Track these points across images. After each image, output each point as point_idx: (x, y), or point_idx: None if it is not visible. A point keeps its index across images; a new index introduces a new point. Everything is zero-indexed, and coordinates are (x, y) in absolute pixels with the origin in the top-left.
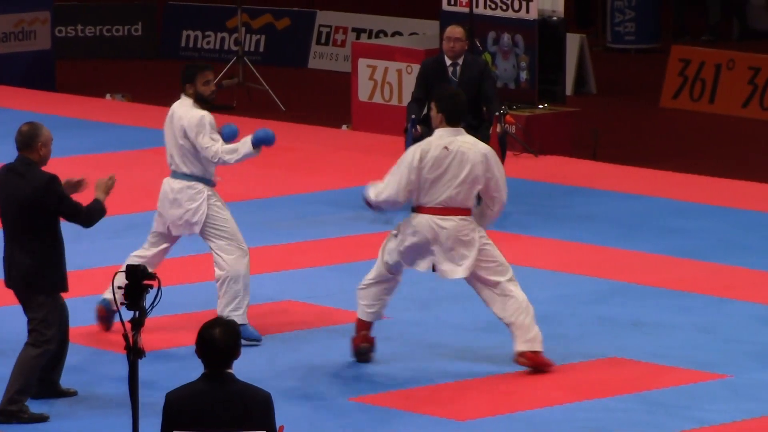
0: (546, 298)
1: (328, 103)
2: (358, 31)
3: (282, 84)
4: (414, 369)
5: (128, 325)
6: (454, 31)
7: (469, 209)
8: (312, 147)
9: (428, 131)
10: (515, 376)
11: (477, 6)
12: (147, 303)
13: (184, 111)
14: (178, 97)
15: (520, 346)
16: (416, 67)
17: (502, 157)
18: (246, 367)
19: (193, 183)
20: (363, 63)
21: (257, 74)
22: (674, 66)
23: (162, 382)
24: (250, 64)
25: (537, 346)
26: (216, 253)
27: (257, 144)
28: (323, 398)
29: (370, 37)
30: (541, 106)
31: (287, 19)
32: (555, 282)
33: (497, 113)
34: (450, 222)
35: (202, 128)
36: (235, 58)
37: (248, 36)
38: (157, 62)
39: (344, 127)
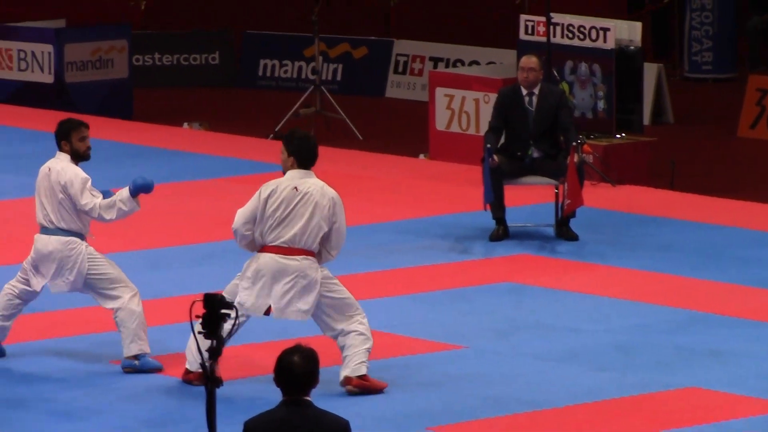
0: (623, 328)
1: (406, 132)
2: (436, 60)
3: (359, 113)
4: (491, 398)
5: (205, 354)
6: (529, 61)
7: (312, 251)
8: (389, 176)
9: (505, 161)
10: (593, 406)
11: (554, 35)
12: (224, 332)
13: (63, 167)
14: (253, 126)
15: (345, 372)
16: (493, 96)
17: (580, 185)
18: (323, 395)
19: (69, 238)
20: (440, 92)
21: (334, 103)
22: (752, 95)
23: (240, 411)
24: (327, 93)
25: (362, 370)
26: (105, 304)
27: (135, 193)
28: (401, 427)
29: (447, 66)
30: (618, 136)
31: (364, 48)
32: (632, 311)
33: (574, 143)
34: (294, 261)
35: (83, 185)
36: (312, 87)
37: (325, 65)
38: (235, 91)
39: (421, 156)
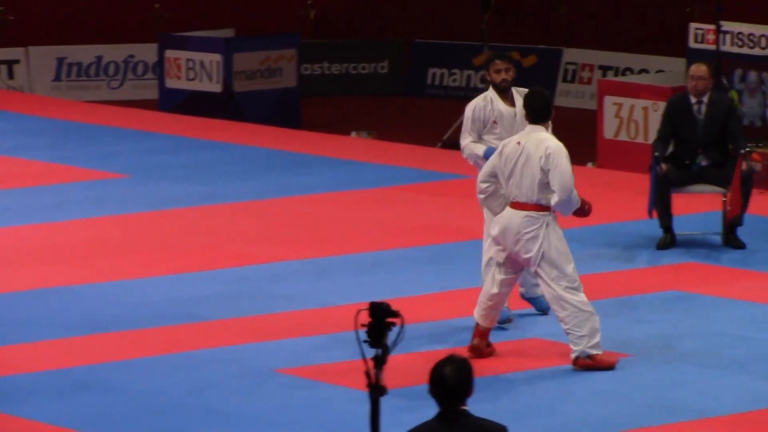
0: None
1: (574, 140)
2: (605, 69)
3: None
4: (658, 406)
5: (370, 363)
6: (698, 69)
7: (539, 204)
8: None
9: (673, 169)
10: (761, 414)
11: (724, 44)
12: (390, 341)
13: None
14: (422, 135)
15: (591, 351)
16: (662, 105)
17: (748, 194)
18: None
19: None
20: (609, 100)
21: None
22: None
23: (402, 420)
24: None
25: (600, 348)
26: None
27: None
28: None
29: (616, 74)
30: None
31: (534, 57)
32: None
33: (743, 151)
34: (518, 216)
35: (462, 125)
36: None
37: None
38: (403, 99)
39: (589, 164)
